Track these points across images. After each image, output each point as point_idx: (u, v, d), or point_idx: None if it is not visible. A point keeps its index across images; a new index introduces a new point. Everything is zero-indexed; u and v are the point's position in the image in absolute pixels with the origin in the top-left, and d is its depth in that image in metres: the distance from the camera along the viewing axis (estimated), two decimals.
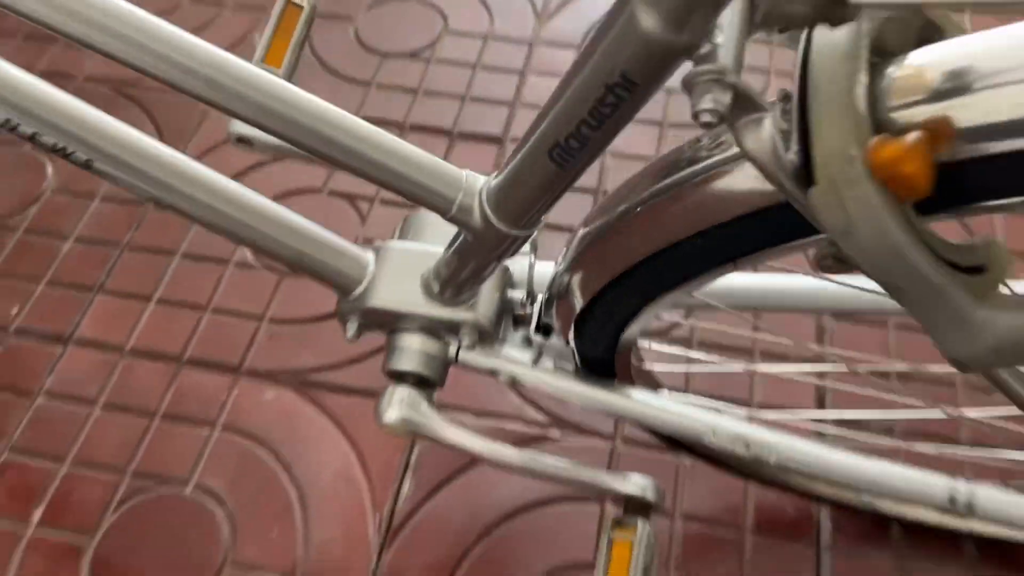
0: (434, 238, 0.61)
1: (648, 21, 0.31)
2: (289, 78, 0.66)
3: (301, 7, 0.68)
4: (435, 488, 0.87)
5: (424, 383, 0.60)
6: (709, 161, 0.39)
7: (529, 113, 1.19)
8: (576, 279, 0.50)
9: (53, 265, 1.04)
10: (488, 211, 0.45)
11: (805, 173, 0.31)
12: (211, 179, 0.55)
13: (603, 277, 0.48)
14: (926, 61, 0.31)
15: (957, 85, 0.30)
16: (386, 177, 0.46)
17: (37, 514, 0.86)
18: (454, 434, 0.58)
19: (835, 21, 0.30)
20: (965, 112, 0.29)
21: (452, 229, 0.59)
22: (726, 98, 0.30)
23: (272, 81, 0.46)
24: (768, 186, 0.34)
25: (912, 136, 0.29)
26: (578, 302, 0.51)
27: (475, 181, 0.46)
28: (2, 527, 0.85)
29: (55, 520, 0.86)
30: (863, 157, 0.29)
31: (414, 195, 0.46)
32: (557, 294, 0.54)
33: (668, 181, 0.41)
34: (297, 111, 0.47)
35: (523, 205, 0.43)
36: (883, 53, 0.32)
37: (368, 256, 0.59)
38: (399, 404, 0.58)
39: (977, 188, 0.31)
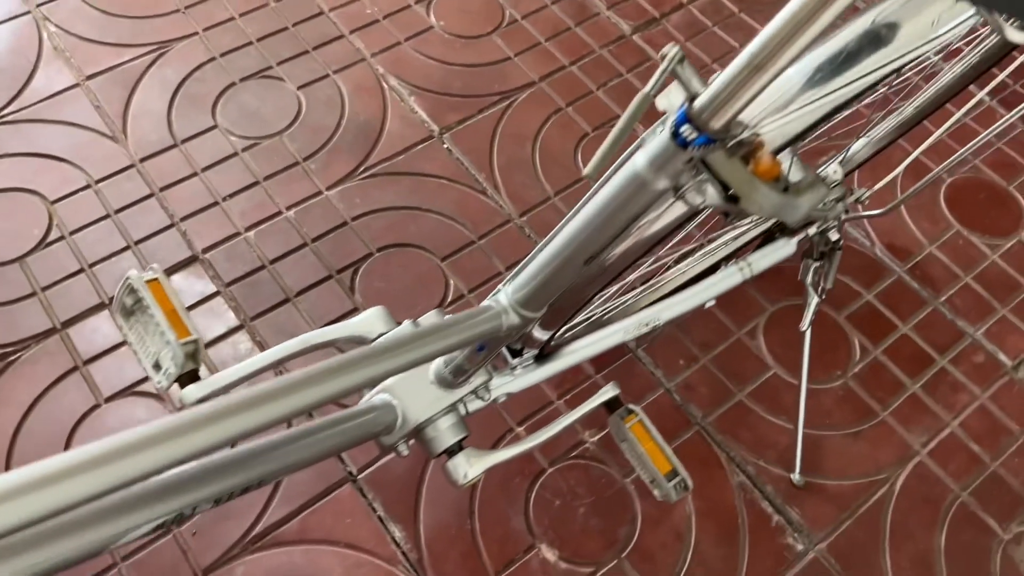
0: None
1: (650, 178, 0.57)
2: None
3: None
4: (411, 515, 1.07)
5: (462, 440, 0.82)
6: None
7: (194, 222, 1.27)
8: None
9: None
10: (521, 311, 0.67)
11: (728, 196, 0.61)
12: (253, 452, 0.65)
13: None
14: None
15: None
16: (458, 344, 0.65)
17: None
18: (507, 453, 0.82)
19: None
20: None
21: None
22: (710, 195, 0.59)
23: None
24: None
25: (766, 155, 0.61)
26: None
27: (502, 300, 0.68)
28: None
29: None
30: (754, 172, 0.60)
31: (482, 339, 0.67)
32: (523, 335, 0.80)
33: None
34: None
35: (549, 296, 0.66)
36: None
37: (386, 396, 0.77)
38: (466, 465, 0.80)
39: None
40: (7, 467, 1.07)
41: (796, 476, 1.12)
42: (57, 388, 1.12)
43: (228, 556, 1.03)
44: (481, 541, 1.06)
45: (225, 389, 0.77)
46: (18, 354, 1.14)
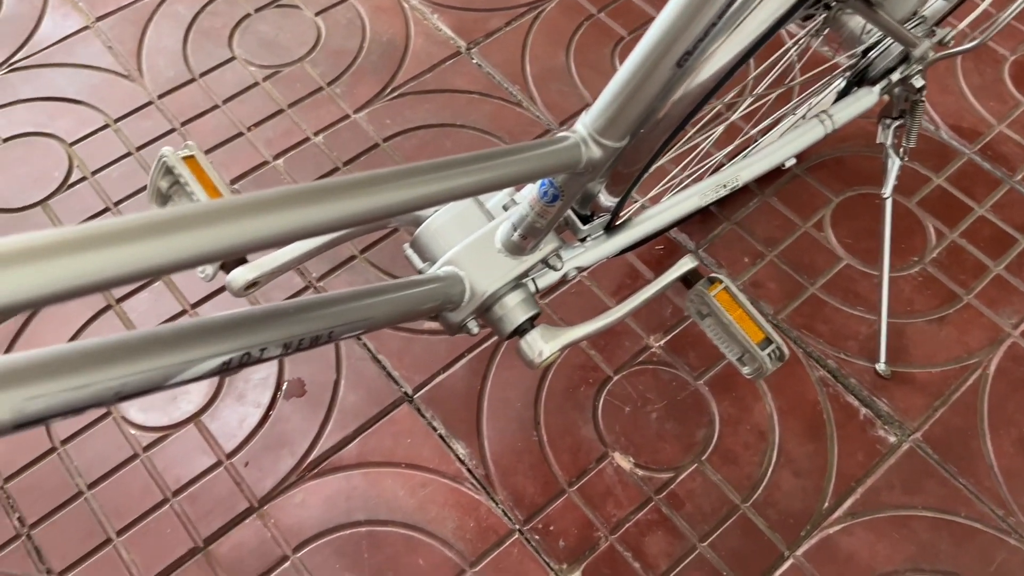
0: (461, 229, 0.73)
1: None
2: None
3: None
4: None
5: (534, 318, 0.75)
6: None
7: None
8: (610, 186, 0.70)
9: None
10: (602, 140, 0.60)
11: None
12: (319, 302, 0.58)
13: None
14: None
15: None
16: (531, 174, 0.58)
17: None
18: (583, 329, 0.75)
19: None
20: None
21: (470, 212, 0.73)
22: None
23: None
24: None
25: None
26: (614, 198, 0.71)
27: (580, 130, 0.60)
28: None
29: None
30: None
31: (558, 171, 0.59)
32: (591, 200, 0.73)
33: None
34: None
35: (634, 119, 0.59)
36: None
37: (451, 269, 0.70)
38: (541, 342, 0.73)
39: None
40: None
41: (881, 366, 1.04)
42: (90, 328, 1.07)
43: (285, 484, 0.97)
44: (550, 452, 0.99)
45: (274, 272, 0.70)
46: None
